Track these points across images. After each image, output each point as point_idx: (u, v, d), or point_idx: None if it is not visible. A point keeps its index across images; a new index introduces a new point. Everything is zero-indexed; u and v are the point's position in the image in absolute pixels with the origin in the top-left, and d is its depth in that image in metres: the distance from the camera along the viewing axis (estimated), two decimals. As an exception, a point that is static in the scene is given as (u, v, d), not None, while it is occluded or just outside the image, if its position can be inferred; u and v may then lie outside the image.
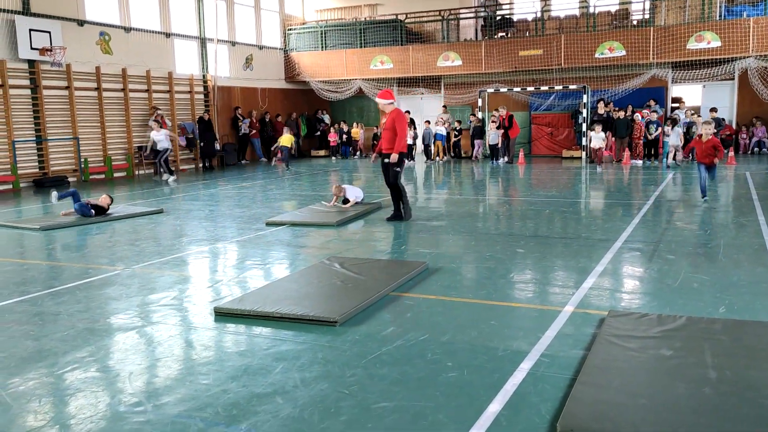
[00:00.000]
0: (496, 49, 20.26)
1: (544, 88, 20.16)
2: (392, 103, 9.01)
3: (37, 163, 15.54)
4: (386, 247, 7.79)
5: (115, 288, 5.96)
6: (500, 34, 21.44)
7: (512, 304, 5.22)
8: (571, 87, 19.45)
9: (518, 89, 20.51)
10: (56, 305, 5.39)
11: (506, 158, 18.82)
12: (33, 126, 15.36)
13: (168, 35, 18.91)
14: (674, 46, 18.48)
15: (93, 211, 9.86)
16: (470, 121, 20.72)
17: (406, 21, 22.14)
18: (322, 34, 23.17)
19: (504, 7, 22.33)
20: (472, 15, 22.51)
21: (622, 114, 18.26)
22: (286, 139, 18.07)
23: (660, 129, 17.62)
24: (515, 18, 22.20)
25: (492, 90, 20.69)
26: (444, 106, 21.91)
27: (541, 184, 14.08)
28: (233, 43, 21.39)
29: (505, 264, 6.60)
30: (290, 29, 23.67)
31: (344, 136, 23.02)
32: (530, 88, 20.42)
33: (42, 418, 3.36)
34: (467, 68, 20.76)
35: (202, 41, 20.16)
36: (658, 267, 6.27)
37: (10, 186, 14.63)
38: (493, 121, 19.15)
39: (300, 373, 3.86)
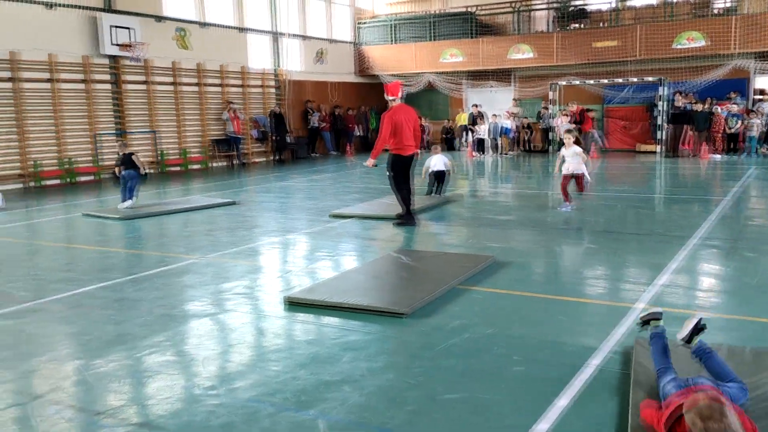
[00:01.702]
0: (569, 41, 19.75)
1: (619, 80, 19.50)
2: (393, 99, 8.33)
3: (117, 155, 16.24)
4: (454, 241, 7.75)
5: (191, 276, 6.18)
6: (574, 25, 20.87)
7: (582, 300, 5.11)
8: (648, 79, 18.74)
9: (592, 82, 19.94)
10: (136, 291, 5.64)
11: None
12: (114, 120, 16.08)
13: (242, 30, 19.38)
14: (759, 36, 17.49)
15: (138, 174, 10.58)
16: (541, 114, 20.33)
17: (478, 13, 21.88)
18: (392, 27, 23.20)
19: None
20: (545, 6, 22.01)
21: (700, 106, 17.47)
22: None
23: (741, 122, 16.76)
24: (590, 8, 21.54)
25: (565, 83, 20.20)
26: (515, 99, 21.56)
27: (614, 179, 13.66)
28: (305, 38, 21.72)
29: (575, 259, 6.45)
30: (361, 23, 23.80)
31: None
32: (604, 81, 19.82)
33: (122, 398, 3.54)
34: (539, 60, 20.33)
35: (275, 36, 20.56)
36: (737, 264, 5.99)
37: (92, 177, 15.37)
38: (564, 115, 18.70)
39: (367, 362, 3.91)
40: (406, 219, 8.48)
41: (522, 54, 20.49)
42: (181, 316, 4.95)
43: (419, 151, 8.67)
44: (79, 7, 14.98)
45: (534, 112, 21.12)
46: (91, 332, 4.60)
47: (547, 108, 20.39)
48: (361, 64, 23.66)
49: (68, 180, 14.79)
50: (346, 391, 3.52)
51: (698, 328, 3.36)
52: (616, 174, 14.57)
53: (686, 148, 17.48)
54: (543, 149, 20.56)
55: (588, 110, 18.89)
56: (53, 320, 4.94)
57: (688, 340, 3.37)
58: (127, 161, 10.72)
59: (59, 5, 14.60)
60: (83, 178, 15.08)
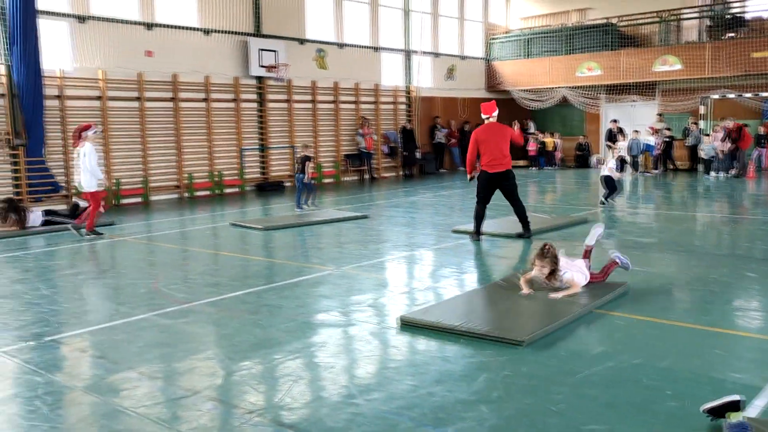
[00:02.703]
0: (723, 51, 18.40)
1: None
2: (487, 118, 8.70)
3: (259, 169, 17.24)
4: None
5: (326, 287, 6.41)
6: (729, 35, 19.44)
7: (741, 333, 4.70)
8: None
9: (749, 95, 18.44)
10: (279, 299, 5.92)
11: (734, 171, 17.08)
12: (257, 135, 17.09)
13: (376, 49, 19.94)
14: None
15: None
16: (689, 130, 19.10)
17: (619, 24, 21.01)
18: (526, 42, 22.85)
19: (734, 5, 20.21)
20: (696, 15, 20.69)
21: None
22: None
23: None
24: (748, 16, 19.97)
25: (717, 96, 18.83)
26: (659, 114, 20.42)
27: (772, 201, 12.53)
28: (436, 55, 21.94)
29: (731, 288, 5.97)
30: (493, 38, 23.68)
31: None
32: (764, 94, 18.25)
33: (269, 399, 3.72)
34: (688, 72, 19.12)
35: (407, 54, 20.95)
36: None
37: (237, 189, 16.40)
38: (715, 132, 17.46)
39: (504, 384, 3.84)
40: (473, 235, 8.65)
41: (668, 66, 19.38)
42: (319, 324, 5.14)
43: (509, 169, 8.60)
44: (232, 32, 16.13)
45: (680, 127, 19.89)
46: (241, 334, 4.89)
47: (696, 123, 19.12)
48: (492, 79, 23.49)
49: (216, 191, 15.89)
50: (484, 412, 3.47)
51: (732, 406, 3.03)
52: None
53: None
54: (690, 168, 19.28)
55: (746, 126, 17.52)
56: (207, 321, 5.31)
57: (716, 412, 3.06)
58: (301, 164, 11.94)
59: (215, 31, 15.81)
60: (229, 190, 16.13)
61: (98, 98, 13.91)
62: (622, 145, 19.04)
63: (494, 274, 6.85)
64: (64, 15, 13.39)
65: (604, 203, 11.68)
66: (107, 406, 3.64)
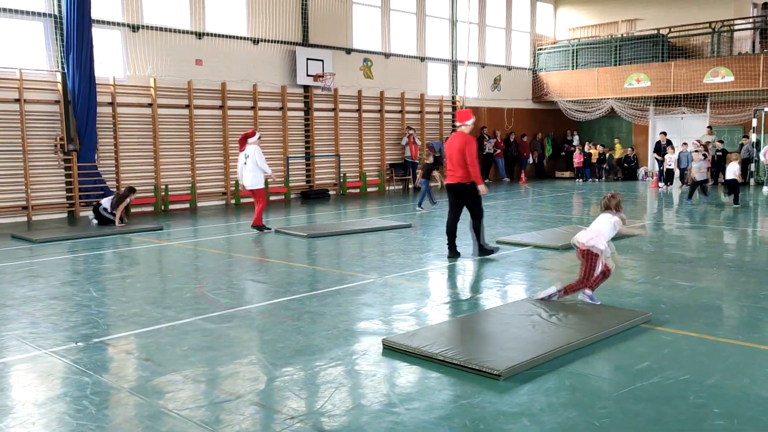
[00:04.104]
0: (777, 62, 17.87)
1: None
2: (458, 126, 8.19)
3: (304, 177, 17.44)
4: (638, 276, 7.28)
5: (368, 295, 6.43)
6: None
7: (795, 353, 4.54)
8: None
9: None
10: (321, 306, 5.97)
11: None
12: (303, 144, 17.30)
13: (422, 59, 19.99)
14: None
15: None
16: (741, 144, 18.54)
17: (669, 35, 20.59)
18: (573, 52, 22.59)
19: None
20: (749, 26, 20.14)
21: None
22: None
23: None
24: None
25: (771, 109, 18.28)
26: (709, 127, 19.90)
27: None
28: (483, 65, 21.87)
29: (784, 306, 5.76)
30: (540, 49, 23.48)
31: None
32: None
33: (311, 405, 3.75)
34: (740, 84, 18.61)
35: (453, 64, 20.94)
36: None
37: (282, 197, 16.61)
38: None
39: (546, 396, 3.78)
40: (449, 251, 8.24)
41: (720, 78, 18.89)
42: (361, 332, 5.16)
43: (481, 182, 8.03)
44: (280, 42, 16.42)
45: (732, 140, 19.33)
46: (283, 341, 4.95)
47: (747, 137, 18.56)
48: (538, 90, 23.28)
49: (261, 198, 16.11)
50: (526, 424, 3.43)
51: None
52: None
53: None
54: (742, 182, 18.68)
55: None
56: (251, 327, 5.39)
57: None
58: (427, 171, 13.35)
59: (263, 41, 16.11)
60: (274, 198, 16.35)
61: (149, 105, 14.31)
62: (670, 158, 18.58)
63: (536, 285, 6.77)
64: (117, 24, 13.84)
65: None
66: (152, 408, 3.72)
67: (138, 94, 14.20)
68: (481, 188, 8.00)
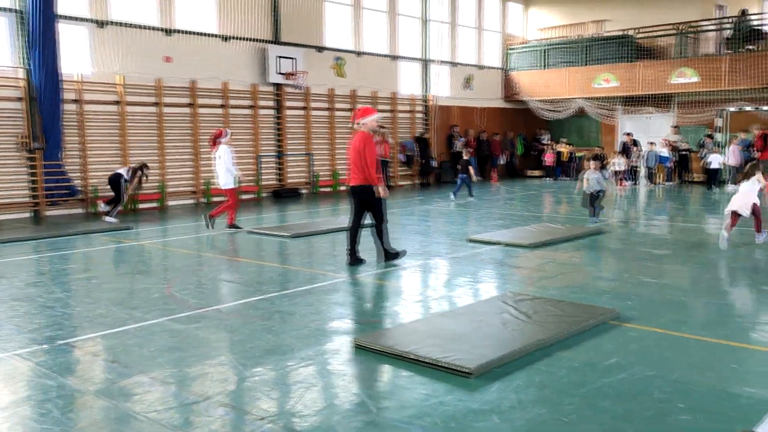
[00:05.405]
0: (741, 64, 18.26)
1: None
2: (357, 125, 7.64)
3: (276, 176, 17.32)
4: (606, 274, 7.39)
5: (339, 294, 6.41)
6: (748, 47, 19.28)
7: (758, 348, 4.64)
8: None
9: (767, 108, 18.26)
10: (291, 305, 5.93)
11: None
12: (274, 143, 17.18)
13: (394, 58, 20.01)
14: None
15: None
16: (703, 143, 18.94)
17: (636, 36, 20.93)
18: (543, 52, 22.82)
19: (754, 17, 20.03)
20: (714, 27, 20.55)
21: None
22: None
23: None
24: (766, 29, 19.77)
25: (734, 109, 18.69)
26: (675, 126, 20.27)
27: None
28: (454, 64, 21.96)
29: (748, 302, 5.90)
30: (511, 49, 23.67)
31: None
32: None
33: (281, 406, 3.72)
34: (705, 85, 19.00)
35: (425, 63, 20.99)
36: None
37: (254, 195, 16.47)
38: (733, 143, 17.32)
39: (516, 394, 3.81)
40: (350, 257, 7.72)
41: (685, 78, 19.26)
42: (333, 332, 5.14)
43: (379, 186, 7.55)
44: (251, 39, 16.27)
45: (694, 140, 19.74)
46: (253, 340, 4.90)
47: (710, 136, 18.95)
48: (509, 89, 23.48)
49: (231, 197, 15.96)
50: (496, 422, 3.45)
51: None
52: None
53: None
54: (703, 181, 19.09)
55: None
56: (220, 327, 5.33)
57: None
58: (464, 165, 15.23)
59: (234, 38, 15.95)
60: (246, 196, 16.21)
61: (117, 103, 14.07)
62: (619, 162, 18.78)
63: (507, 283, 6.82)
64: (83, 20, 13.58)
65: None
66: (118, 411, 3.66)
67: (105, 91, 13.95)
68: (380, 190, 7.52)
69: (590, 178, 11.09)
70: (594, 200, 11.04)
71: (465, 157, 15.63)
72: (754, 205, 8.53)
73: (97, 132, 13.93)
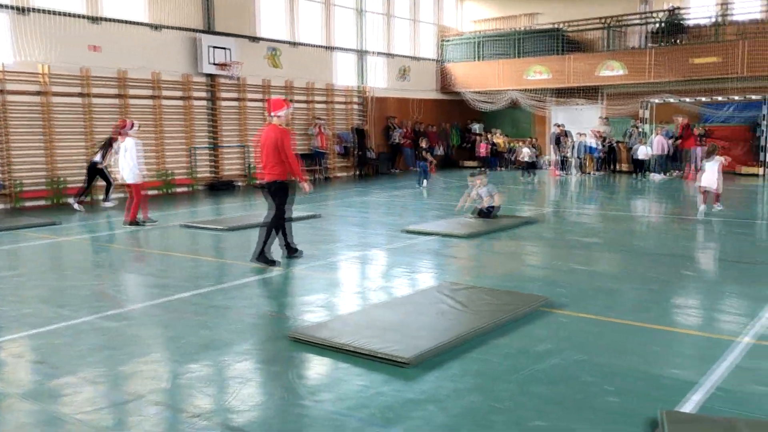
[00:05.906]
0: (665, 57, 19.04)
1: (720, 98, 18.60)
2: (271, 117, 7.32)
3: (210, 168, 16.96)
4: (537, 262, 7.60)
5: (276, 287, 6.36)
6: (670, 41, 20.11)
7: (679, 330, 4.88)
8: (752, 97, 17.79)
9: (690, 100, 19.12)
10: (226, 300, 5.85)
11: (677, 172, 17.82)
12: (208, 134, 16.81)
13: (330, 49, 19.88)
14: None
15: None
16: (630, 133, 19.69)
17: (566, 30, 21.51)
18: (477, 44, 23.16)
19: (676, 12, 20.91)
20: (639, 22, 21.34)
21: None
22: None
23: None
24: (688, 23, 20.67)
25: (658, 100, 19.49)
26: (605, 118, 20.97)
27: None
28: (389, 55, 22.01)
29: (670, 286, 6.18)
30: (446, 40, 23.91)
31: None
32: (704, 99, 18.95)
33: (216, 402, 3.67)
34: (631, 77, 19.71)
35: (361, 54, 20.95)
36: None
37: (188, 188, 16.10)
38: (658, 133, 18.09)
39: (452, 382, 3.88)
40: (287, 251, 7.55)
41: (612, 71, 19.94)
42: (266, 325, 5.10)
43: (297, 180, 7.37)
44: (182, 28, 15.83)
45: (622, 131, 20.49)
46: (187, 336, 4.81)
47: (636, 127, 19.72)
48: (444, 81, 23.72)
49: (166, 191, 15.55)
50: (431, 411, 3.51)
51: None
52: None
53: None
54: (634, 170, 19.87)
55: (694, 126, 18.19)
56: (153, 324, 5.20)
57: None
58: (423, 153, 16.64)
59: (164, 27, 15.48)
60: (179, 189, 15.81)
61: (40, 93, 13.45)
62: (526, 151, 19.42)
63: (444, 273, 6.92)
64: (3, 6, 12.89)
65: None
66: (46, 413, 3.53)
67: (28, 81, 13.30)
68: (305, 185, 7.36)
69: (479, 192, 10.40)
70: (488, 215, 10.16)
71: (423, 145, 17.30)
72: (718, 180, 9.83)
73: (20, 124, 13.28)
